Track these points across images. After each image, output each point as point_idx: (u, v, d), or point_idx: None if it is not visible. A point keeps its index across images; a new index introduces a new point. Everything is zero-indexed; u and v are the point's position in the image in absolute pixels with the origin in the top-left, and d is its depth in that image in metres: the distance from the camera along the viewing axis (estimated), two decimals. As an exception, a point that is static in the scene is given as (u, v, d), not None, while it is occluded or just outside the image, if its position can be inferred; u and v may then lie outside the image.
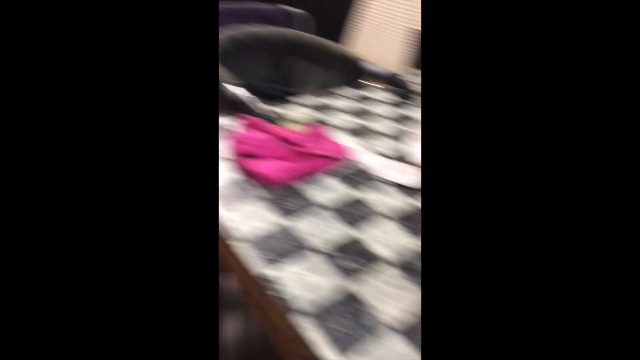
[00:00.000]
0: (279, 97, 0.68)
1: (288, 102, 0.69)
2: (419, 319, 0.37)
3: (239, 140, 0.55)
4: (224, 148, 0.56)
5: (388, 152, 0.56)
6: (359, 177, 0.52)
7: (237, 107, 0.61)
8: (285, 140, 0.55)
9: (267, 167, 0.51)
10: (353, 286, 0.40)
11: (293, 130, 0.58)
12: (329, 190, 0.50)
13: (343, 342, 0.34)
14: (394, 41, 1.64)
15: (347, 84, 0.74)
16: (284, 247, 0.43)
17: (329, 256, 0.42)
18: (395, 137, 0.59)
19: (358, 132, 0.60)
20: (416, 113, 0.64)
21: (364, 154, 0.53)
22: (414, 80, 0.79)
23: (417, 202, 0.48)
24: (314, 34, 0.79)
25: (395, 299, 0.39)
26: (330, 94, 0.69)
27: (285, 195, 0.50)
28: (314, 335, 0.34)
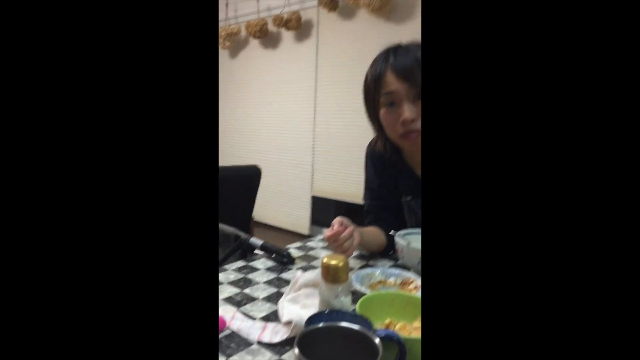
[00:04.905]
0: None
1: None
2: None
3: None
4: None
5: (261, 315, 0.60)
6: (229, 341, 0.52)
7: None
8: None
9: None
10: None
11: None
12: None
13: None
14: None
15: (241, 259, 0.86)
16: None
17: None
18: (270, 300, 0.64)
19: (239, 302, 0.64)
20: (292, 275, 0.73)
21: (236, 320, 0.57)
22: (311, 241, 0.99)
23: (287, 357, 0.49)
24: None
25: None
26: (222, 270, 0.78)
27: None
28: None
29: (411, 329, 0.50)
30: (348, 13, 2.27)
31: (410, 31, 1.99)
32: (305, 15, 2.46)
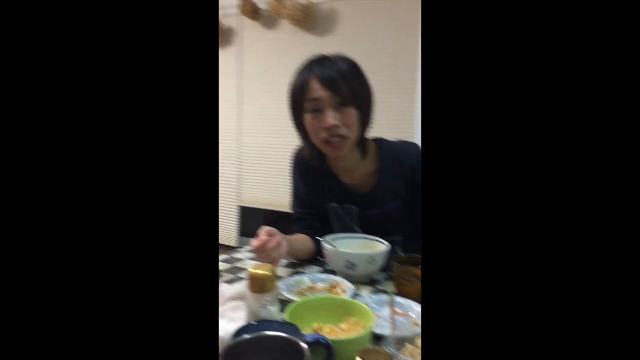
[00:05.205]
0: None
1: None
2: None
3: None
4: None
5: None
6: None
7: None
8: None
9: None
10: None
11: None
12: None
13: None
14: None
15: None
16: None
17: None
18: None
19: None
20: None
21: None
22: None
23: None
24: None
25: None
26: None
27: None
28: None
29: (339, 331, 0.51)
30: (271, 23, 2.28)
31: (332, 43, 2.07)
32: (227, 23, 2.41)
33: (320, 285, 0.75)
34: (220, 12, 2.41)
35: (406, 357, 0.43)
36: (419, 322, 0.52)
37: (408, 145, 0.96)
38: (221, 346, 0.48)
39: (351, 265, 0.76)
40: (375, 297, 0.67)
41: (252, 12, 2.22)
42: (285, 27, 2.22)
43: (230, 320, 0.55)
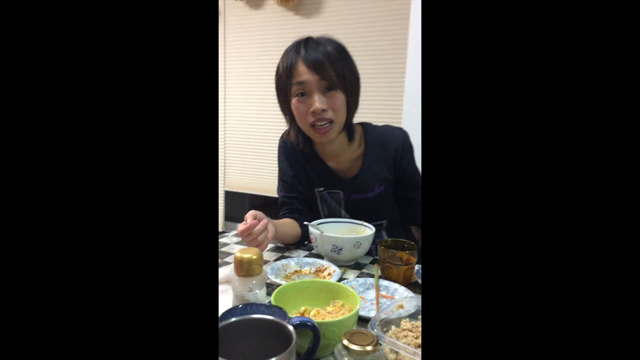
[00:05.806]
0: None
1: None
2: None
3: None
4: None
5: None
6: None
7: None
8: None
9: None
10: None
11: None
12: None
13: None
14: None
15: None
16: None
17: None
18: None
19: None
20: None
21: None
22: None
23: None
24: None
25: None
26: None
27: None
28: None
29: (325, 314, 0.52)
30: (256, 3, 2.22)
31: (318, 25, 2.03)
32: (211, 2, 2.33)
33: (306, 269, 0.75)
34: (203, -10, 2.32)
35: (391, 339, 0.43)
36: (404, 304, 0.53)
37: (393, 130, 0.96)
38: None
39: (337, 249, 0.76)
40: (361, 280, 0.68)
41: (237, -9, 2.15)
42: (271, 7, 2.16)
43: (216, 304, 0.54)
